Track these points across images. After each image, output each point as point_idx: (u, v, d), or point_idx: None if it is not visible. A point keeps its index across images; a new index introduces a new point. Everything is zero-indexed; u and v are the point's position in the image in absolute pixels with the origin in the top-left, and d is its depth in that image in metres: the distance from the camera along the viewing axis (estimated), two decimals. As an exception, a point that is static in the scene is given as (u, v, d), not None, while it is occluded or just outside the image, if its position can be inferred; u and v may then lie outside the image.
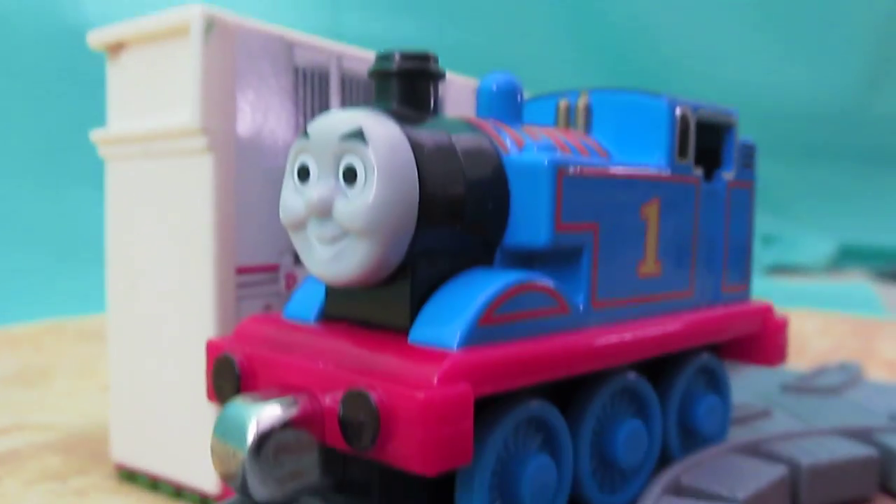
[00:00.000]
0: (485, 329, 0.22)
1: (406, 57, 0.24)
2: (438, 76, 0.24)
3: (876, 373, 0.53)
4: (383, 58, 0.24)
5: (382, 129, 0.22)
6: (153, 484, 0.32)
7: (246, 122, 0.29)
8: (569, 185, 0.24)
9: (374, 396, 0.19)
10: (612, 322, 0.26)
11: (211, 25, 0.28)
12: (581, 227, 0.25)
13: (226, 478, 0.21)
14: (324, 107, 0.32)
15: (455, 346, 0.21)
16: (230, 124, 0.28)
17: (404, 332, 0.22)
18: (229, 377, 0.24)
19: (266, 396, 0.21)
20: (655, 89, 0.30)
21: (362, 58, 0.34)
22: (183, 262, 0.29)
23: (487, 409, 0.22)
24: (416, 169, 0.22)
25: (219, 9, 0.28)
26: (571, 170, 0.24)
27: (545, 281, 0.24)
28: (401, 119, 0.23)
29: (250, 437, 0.20)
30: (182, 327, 0.29)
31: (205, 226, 0.28)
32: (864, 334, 0.73)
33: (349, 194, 0.21)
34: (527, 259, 0.25)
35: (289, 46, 0.30)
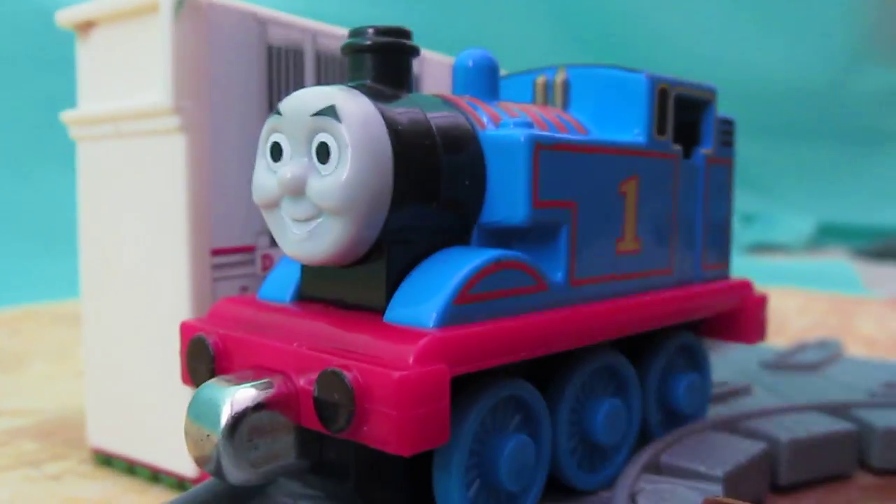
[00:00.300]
0: (461, 308, 0.22)
1: (380, 31, 0.23)
2: (413, 51, 0.24)
3: (855, 349, 0.53)
4: (357, 33, 0.24)
5: (355, 106, 0.21)
6: (130, 468, 0.31)
7: (219, 102, 0.28)
8: (546, 160, 0.24)
9: (349, 377, 0.19)
10: (590, 299, 0.26)
11: (181, 2, 0.27)
12: (559, 204, 0.25)
13: (200, 461, 0.21)
14: (298, 85, 0.31)
15: (431, 325, 0.21)
16: (203, 104, 0.28)
17: (380, 311, 0.22)
18: (203, 359, 0.23)
19: (240, 378, 0.21)
20: (634, 66, 0.30)
21: (337, 35, 0.33)
22: (157, 245, 0.29)
23: (465, 388, 0.22)
24: (390, 146, 0.21)
25: (189, -15, 0.28)
26: (548, 145, 0.24)
27: (522, 258, 0.24)
28: (375, 95, 0.22)
29: (224, 419, 0.20)
30: (157, 310, 0.29)
31: (179, 207, 0.28)
32: (843, 312, 0.74)
33: (322, 172, 0.21)
34: (504, 236, 0.25)
35: (262, 24, 0.30)
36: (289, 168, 0.21)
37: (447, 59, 0.40)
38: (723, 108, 0.33)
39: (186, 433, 0.21)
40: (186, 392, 0.28)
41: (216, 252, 0.29)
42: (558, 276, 0.25)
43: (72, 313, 0.64)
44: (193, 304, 0.28)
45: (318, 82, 0.32)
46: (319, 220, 0.21)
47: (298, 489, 0.25)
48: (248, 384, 0.21)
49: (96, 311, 0.32)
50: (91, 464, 0.32)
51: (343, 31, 0.33)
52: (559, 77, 0.30)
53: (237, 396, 0.20)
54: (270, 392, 0.21)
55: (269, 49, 0.30)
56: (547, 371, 0.26)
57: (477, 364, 0.21)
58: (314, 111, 0.21)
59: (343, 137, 0.21)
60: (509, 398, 0.24)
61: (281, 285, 0.25)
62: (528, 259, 0.24)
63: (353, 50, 0.24)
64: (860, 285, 1.03)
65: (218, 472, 0.20)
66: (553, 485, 0.26)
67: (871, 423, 0.32)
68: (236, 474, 0.20)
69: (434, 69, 0.39)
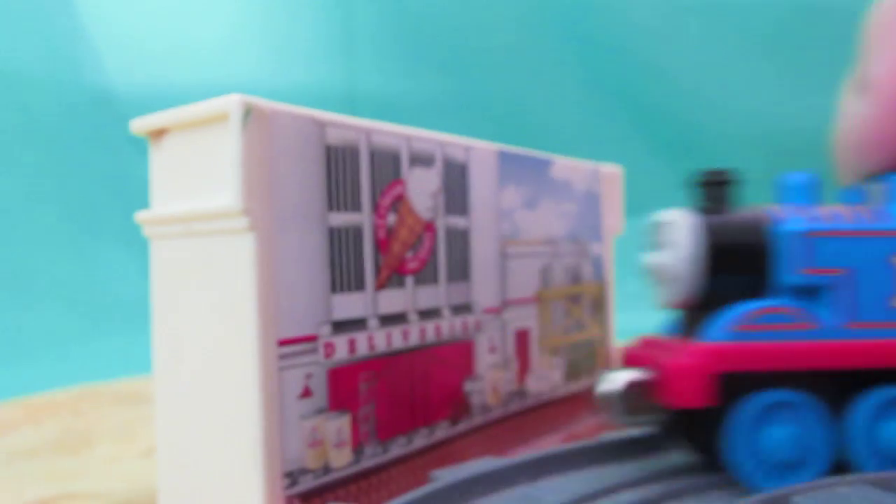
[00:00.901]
0: (736, 333, 0.34)
1: (712, 173, 0.36)
2: (732, 182, 0.36)
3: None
4: (703, 174, 0.36)
5: (688, 219, 0.35)
6: (202, 549, 0.33)
7: (282, 201, 0.30)
8: (810, 241, 0.35)
9: (664, 369, 0.34)
10: (858, 338, 0.35)
11: (249, 112, 0.29)
12: (828, 271, 0.35)
13: (604, 406, 0.35)
14: (353, 180, 0.34)
15: (713, 340, 0.34)
16: (268, 204, 0.30)
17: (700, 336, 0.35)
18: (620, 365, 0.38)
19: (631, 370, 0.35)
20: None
21: (388, 132, 0.35)
22: (227, 336, 0.31)
23: (755, 390, 0.34)
24: (707, 241, 0.35)
25: (254, 97, 0.30)
26: (817, 231, 0.35)
27: (788, 304, 0.35)
28: (703, 211, 0.36)
29: (620, 384, 0.34)
30: (226, 397, 0.31)
31: (247, 300, 0.30)
32: None
33: (668, 257, 0.36)
34: (790, 292, 0.35)
35: (321, 126, 0.32)
36: (657, 256, 0.37)
37: (491, 147, 0.42)
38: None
39: (600, 393, 0.35)
40: (251, 476, 0.29)
41: (283, 342, 0.30)
42: (830, 319, 0.35)
43: (131, 392, 0.66)
44: (262, 391, 0.30)
45: (372, 177, 0.34)
46: (669, 282, 0.36)
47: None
48: (632, 371, 0.35)
49: (168, 398, 0.33)
50: (164, 545, 0.34)
51: (393, 128, 0.36)
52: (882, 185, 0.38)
53: (628, 375, 0.35)
54: (642, 376, 0.34)
55: (328, 149, 0.32)
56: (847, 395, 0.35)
57: (739, 365, 0.34)
58: (664, 223, 0.37)
59: (680, 237, 0.35)
60: (785, 401, 0.34)
61: (670, 325, 0.39)
62: (796, 305, 0.35)
63: (705, 184, 0.36)
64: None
65: (615, 413, 0.35)
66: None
67: None
68: (623, 416, 0.34)
69: (479, 156, 0.41)
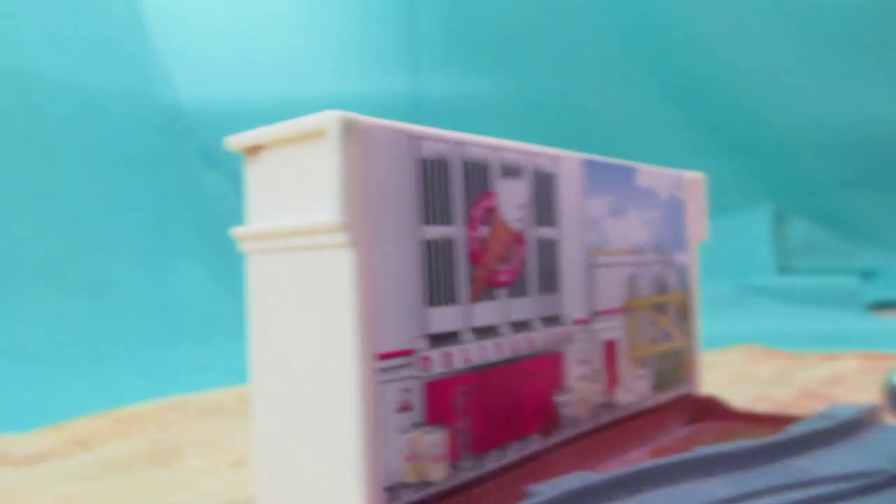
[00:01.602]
0: None
1: None
2: None
3: None
4: None
5: None
6: (301, 563, 0.33)
7: (380, 215, 0.31)
8: None
9: None
10: None
11: (347, 128, 0.29)
12: None
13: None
14: (446, 193, 0.34)
15: None
16: (367, 218, 0.30)
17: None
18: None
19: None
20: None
21: (479, 143, 0.35)
22: (326, 350, 0.31)
23: None
24: None
25: (352, 113, 0.30)
26: None
27: None
28: None
29: None
30: (326, 412, 0.31)
31: (347, 315, 0.30)
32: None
33: None
34: None
35: (415, 139, 0.32)
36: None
37: (577, 156, 0.42)
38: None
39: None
40: (352, 491, 0.29)
41: (382, 356, 0.30)
42: None
43: (214, 404, 0.67)
44: (362, 405, 0.30)
45: (464, 189, 0.34)
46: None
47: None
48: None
49: (266, 414, 0.34)
50: (263, 558, 0.34)
51: (485, 140, 0.36)
52: None
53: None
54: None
55: (422, 163, 0.32)
56: None
57: None
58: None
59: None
60: None
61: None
62: None
63: None
64: None
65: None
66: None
67: None
68: None
69: (566, 165, 0.41)
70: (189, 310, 1.24)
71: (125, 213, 1.39)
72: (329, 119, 0.29)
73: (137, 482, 0.46)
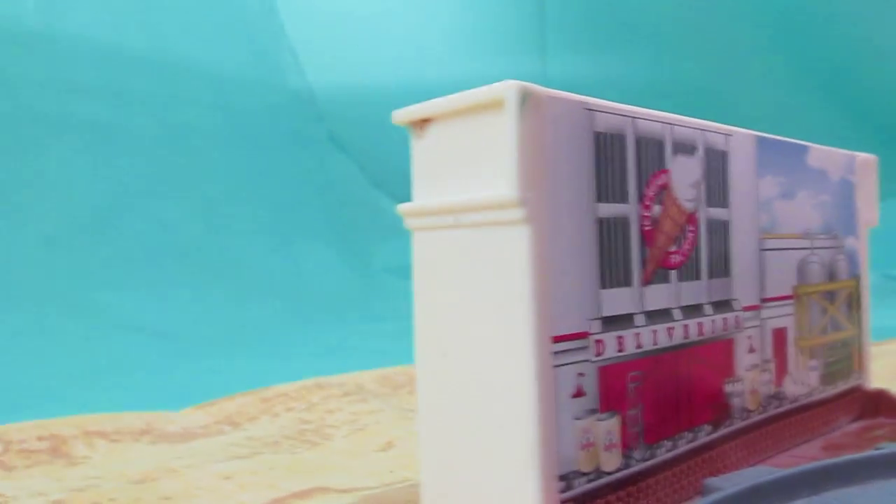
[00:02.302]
0: None
1: None
2: None
3: None
4: None
5: None
6: (467, 550, 0.32)
7: (555, 191, 0.29)
8: None
9: None
10: None
11: (525, 98, 0.28)
12: None
13: None
14: (620, 169, 0.32)
15: None
16: (543, 194, 0.29)
17: None
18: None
19: None
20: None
21: (653, 117, 0.34)
22: (498, 331, 0.29)
23: None
24: None
25: (529, 83, 0.29)
26: None
27: None
28: None
29: None
30: (498, 396, 0.30)
31: (522, 295, 0.28)
32: None
33: None
34: None
35: (590, 112, 0.31)
36: None
37: (750, 133, 0.40)
38: None
39: None
40: (526, 479, 0.28)
41: (556, 339, 0.29)
42: None
43: (356, 385, 0.67)
44: (537, 389, 0.28)
45: (638, 165, 0.33)
46: None
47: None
48: None
49: (432, 394, 0.33)
50: (426, 543, 0.33)
51: (658, 114, 0.34)
52: None
53: None
54: None
55: (597, 136, 0.31)
56: None
57: None
58: None
59: None
60: None
61: None
62: None
63: None
64: None
65: None
66: None
67: None
68: None
69: (739, 143, 0.39)
70: (321, 291, 1.26)
71: (258, 198, 1.41)
72: (507, 89, 0.28)
73: (289, 462, 0.46)
